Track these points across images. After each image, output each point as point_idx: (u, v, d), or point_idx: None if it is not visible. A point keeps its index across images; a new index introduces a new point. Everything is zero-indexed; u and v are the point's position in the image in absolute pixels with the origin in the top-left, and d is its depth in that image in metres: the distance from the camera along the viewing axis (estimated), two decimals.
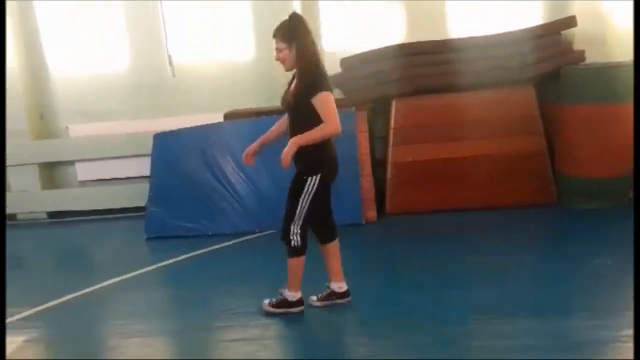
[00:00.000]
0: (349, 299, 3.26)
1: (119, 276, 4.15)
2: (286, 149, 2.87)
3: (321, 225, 3.20)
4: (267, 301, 3.25)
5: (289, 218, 3.02)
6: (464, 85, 5.16)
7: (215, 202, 5.29)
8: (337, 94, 6.10)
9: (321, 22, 6.23)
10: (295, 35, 2.93)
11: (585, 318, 2.87)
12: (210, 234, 5.12)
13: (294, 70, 3.04)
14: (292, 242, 3.02)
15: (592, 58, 5.28)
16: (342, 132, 2.90)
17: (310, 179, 2.95)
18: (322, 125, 2.84)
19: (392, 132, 5.36)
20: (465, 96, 5.22)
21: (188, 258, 4.55)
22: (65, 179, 7.03)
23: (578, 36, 5.43)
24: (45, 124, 6.94)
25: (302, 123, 2.92)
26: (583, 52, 5.27)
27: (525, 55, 5.20)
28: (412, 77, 5.29)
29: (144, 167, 5.92)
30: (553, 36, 5.36)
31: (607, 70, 4.87)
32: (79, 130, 6.75)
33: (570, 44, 5.38)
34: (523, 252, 4.04)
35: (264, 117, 5.03)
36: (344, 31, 6.26)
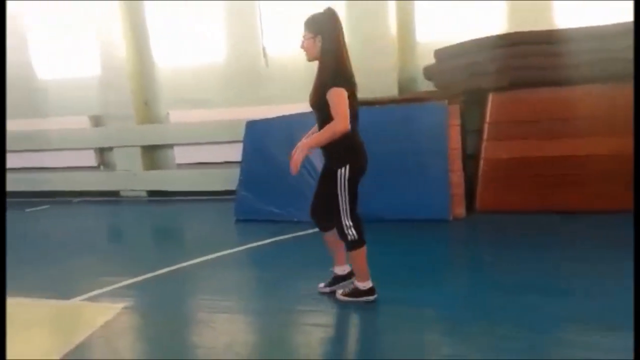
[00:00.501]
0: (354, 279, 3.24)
1: (209, 254, 4.39)
2: (297, 154, 2.85)
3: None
4: (340, 290, 3.29)
5: (337, 214, 3.00)
6: (568, 78, 4.82)
7: (301, 190, 5.37)
8: (430, 85, 6.01)
9: (415, 12, 6.10)
10: (322, 27, 2.92)
11: None
12: (296, 220, 5.25)
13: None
14: (349, 237, 3.03)
15: None
16: (349, 128, 2.80)
17: (339, 170, 2.93)
18: (331, 123, 2.80)
19: (486, 126, 5.13)
20: (569, 90, 4.89)
21: (273, 242, 4.70)
22: (164, 161, 7.55)
23: None
24: (148, 110, 7.49)
25: (325, 118, 2.89)
26: None
27: None
28: (510, 69, 5.03)
29: (236, 152, 6.19)
30: None
31: None
32: (178, 116, 7.20)
33: None
34: (626, 260, 3.68)
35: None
36: (438, 21, 6.09)
